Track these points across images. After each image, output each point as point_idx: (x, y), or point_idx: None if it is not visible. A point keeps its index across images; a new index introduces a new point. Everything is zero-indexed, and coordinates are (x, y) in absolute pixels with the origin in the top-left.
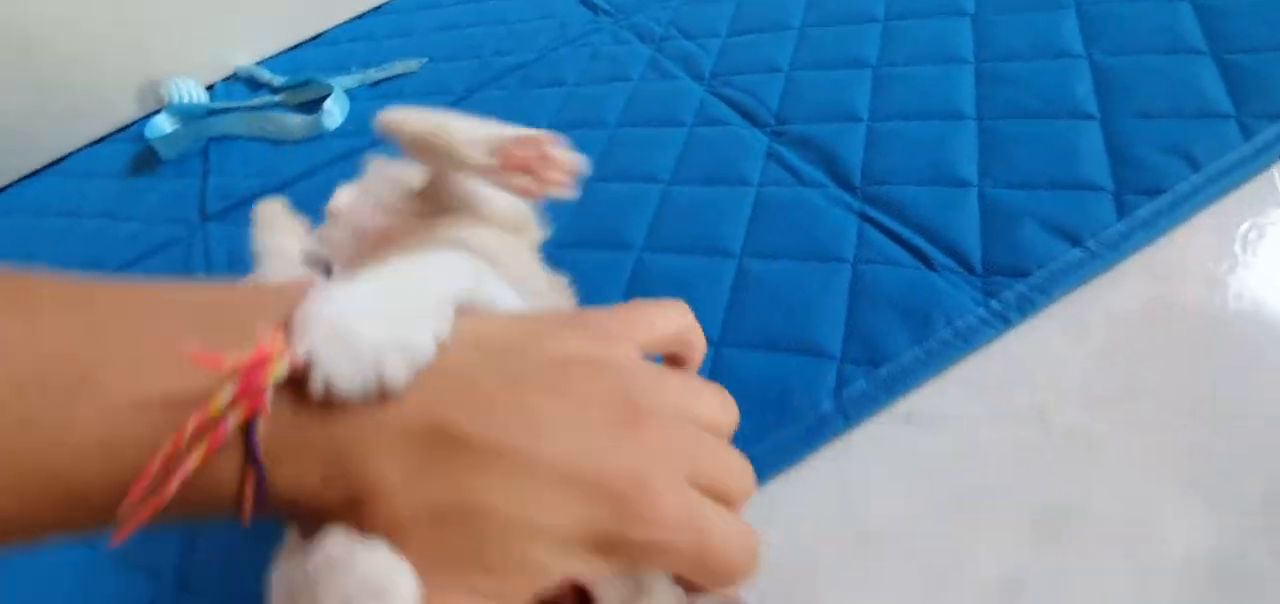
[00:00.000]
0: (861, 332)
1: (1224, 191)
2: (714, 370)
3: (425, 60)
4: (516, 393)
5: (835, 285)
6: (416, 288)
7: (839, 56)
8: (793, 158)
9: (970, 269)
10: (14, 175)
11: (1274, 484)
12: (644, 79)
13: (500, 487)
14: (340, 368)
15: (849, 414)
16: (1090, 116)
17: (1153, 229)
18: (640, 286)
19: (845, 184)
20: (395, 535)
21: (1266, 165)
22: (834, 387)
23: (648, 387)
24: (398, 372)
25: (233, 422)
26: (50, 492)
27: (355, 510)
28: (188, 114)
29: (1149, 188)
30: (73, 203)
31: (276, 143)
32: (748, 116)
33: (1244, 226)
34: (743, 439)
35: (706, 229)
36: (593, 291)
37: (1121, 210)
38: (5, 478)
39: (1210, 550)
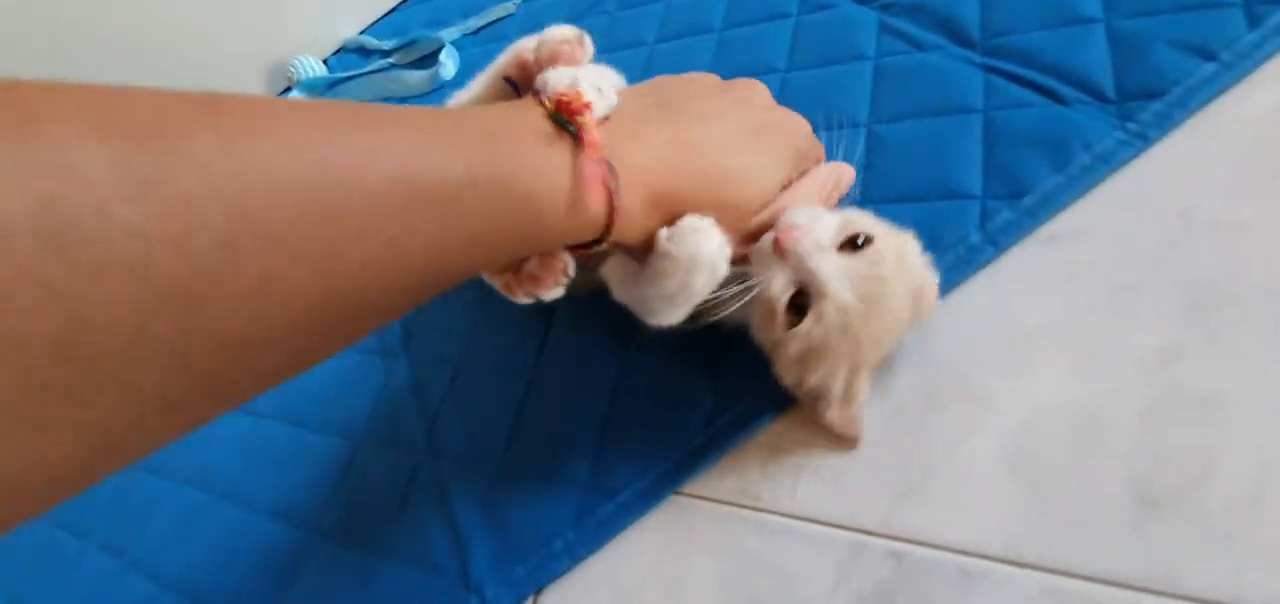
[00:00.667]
0: (1000, 169)
1: None
2: None
3: (520, 1)
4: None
5: (968, 134)
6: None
7: None
8: (906, 26)
9: (1103, 98)
10: None
11: None
12: None
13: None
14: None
15: (997, 242)
16: None
17: None
18: None
19: (965, 42)
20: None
21: None
22: (979, 220)
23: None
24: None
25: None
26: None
27: (659, 213)
28: (315, 87)
29: None
30: None
31: (402, 100)
32: None
33: None
34: None
35: (831, 106)
36: None
37: (1253, 21)
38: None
39: None
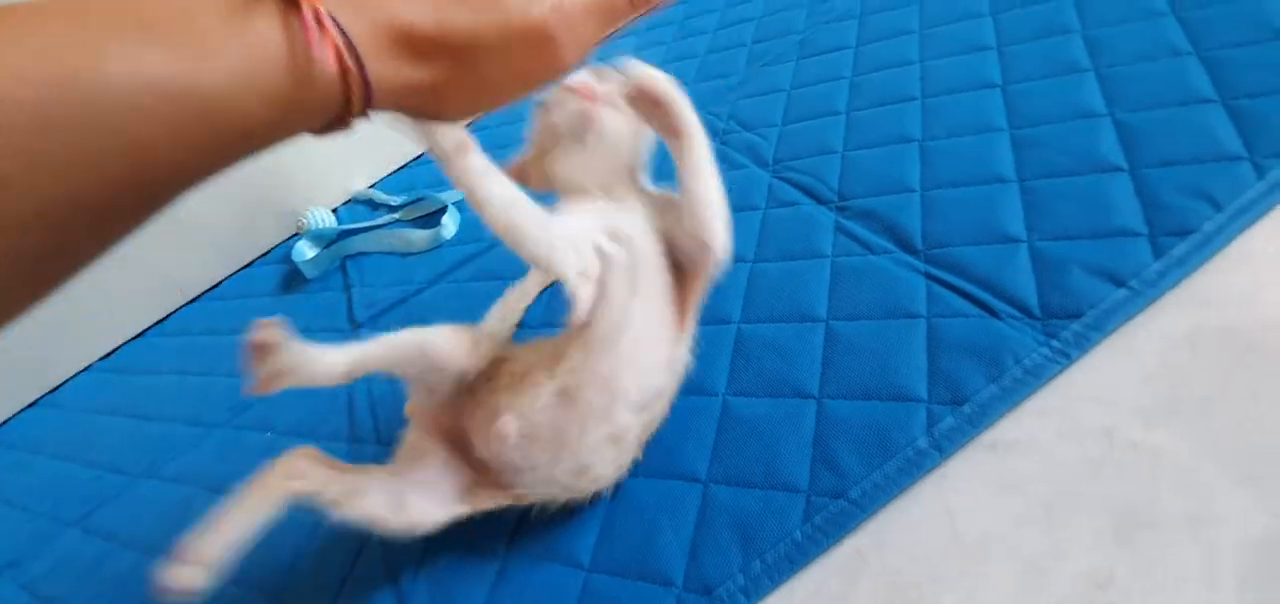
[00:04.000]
0: (943, 376)
1: (1245, 226)
2: (819, 420)
3: None
4: None
5: (914, 338)
6: None
7: (887, 134)
8: (859, 229)
9: (1030, 314)
10: (177, 303)
11: None
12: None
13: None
14: None
15: (942, 447)
16: (1119, 169)
17: (1186, 266)
18: (743, 355)
19: (909, 249)
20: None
21: None
22: (925, 424)
23: None
24: None
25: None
26: (208, 120)
27: (431, 62)
28: (324, 237)
29: (1179, 229)
30: (236, 321)
31: (403, 255)
32: (813, 196)
33: (1266, 255)
34: (853, 477)
35: (793, 299)
36: (703, 361)
37: (1157, 251)
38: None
39: (1264, 533)
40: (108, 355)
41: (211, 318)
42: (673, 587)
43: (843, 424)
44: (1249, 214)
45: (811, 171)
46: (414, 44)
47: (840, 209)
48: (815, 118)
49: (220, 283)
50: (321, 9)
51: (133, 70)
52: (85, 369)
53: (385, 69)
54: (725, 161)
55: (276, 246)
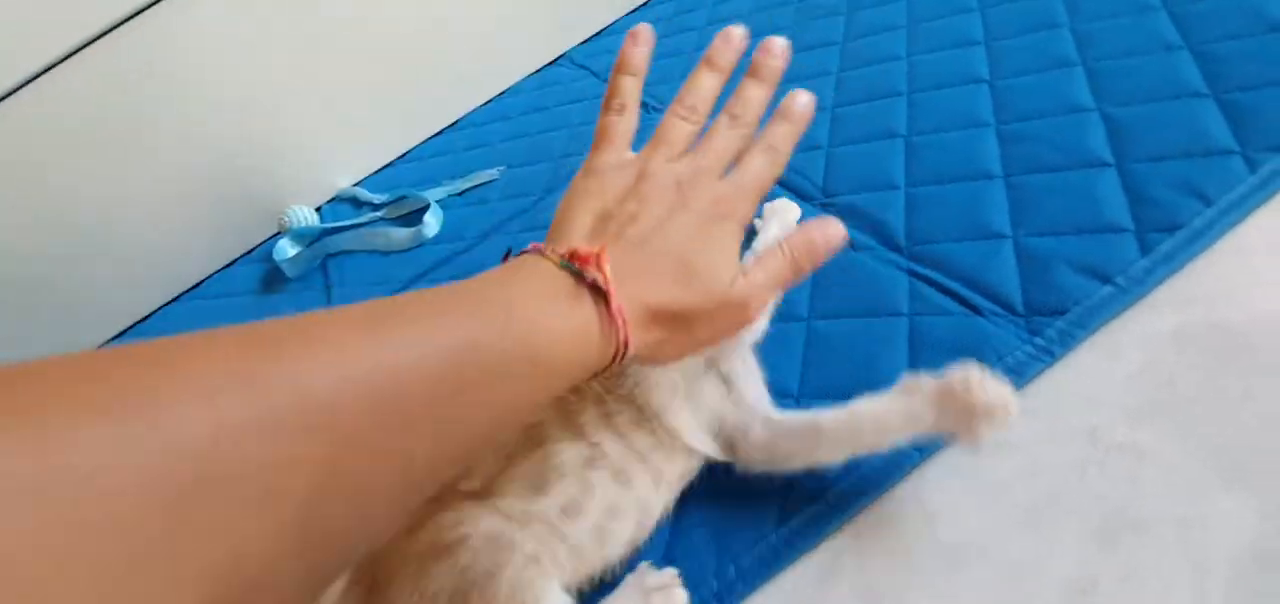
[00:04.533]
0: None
1: (1235, 222)
2: None
3: (504, 168)
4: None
5: (896, 336)
6: None
7: (871, 130)
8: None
9: (1013, 311)
10: (160, 301)
11: None
12: None
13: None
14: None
15: (922, 448)
16: (1106, 164)
17: (1174, 262)
18: None
19: (893, 246)
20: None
21: (1272, 194)
22: None
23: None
24: None
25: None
26: (551, 380)
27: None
28: (305, 236)
29: (1167, 225)
30: (216, 321)
31: (385, 254)
32: (796, 192)
33: (1258, 251)
34: (829, 477)
35: None
36: None
37: (1144, 248)
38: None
39: (1255, 538)
40: None
41: (192, 317)
42: None
43: None
44: (1240, 208)
45: (794, 167)
46: (655, 316)
47: (823, 206)
48: None
49: (201, 282)
50: (616, 301)
51: (511, 348)
52: None
53: (638, 335)
54: None
55: (258, 245)
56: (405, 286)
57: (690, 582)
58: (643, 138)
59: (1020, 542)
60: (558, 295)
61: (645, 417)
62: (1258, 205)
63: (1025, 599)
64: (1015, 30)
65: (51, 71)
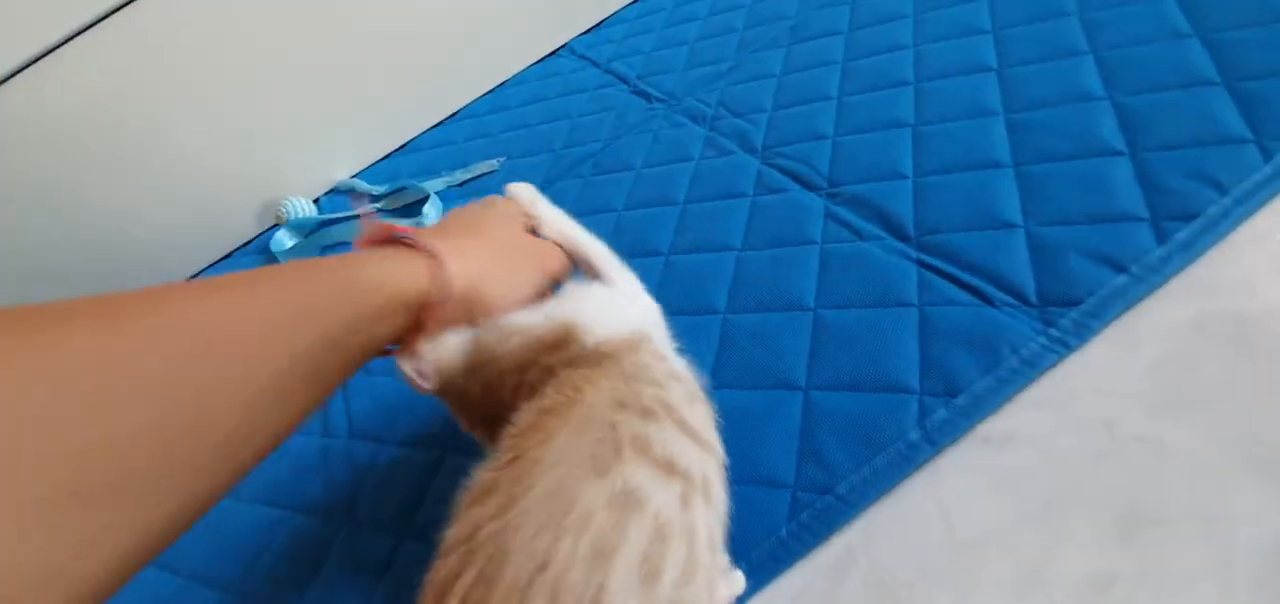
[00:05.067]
0: (935, 366)
1: (1252, 210)
2: (805, 412)
3: (504, 158)
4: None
5: (905, 327)
6: None
7: (878, 119)
8: (849, 216)
9: (1026, 302)
10: None
11: None
12: (704, 157)
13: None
14: None
15: (934, 441)
16: (1119, 153)
17: (1191, 250)
18: (728, 345)
19: (901, 236)
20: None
21: None
22: (917, 416)
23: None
24: None
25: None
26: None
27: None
28: (303, 227)
29: (1183, 213)
30: None
31: None
32: (802, 182)
33: (1277, 239)
34: (841, 471)
35: (780, 288)
36: (687, 352)
37: (1160, 237)
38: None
39: (1273, 533)
40: None
41: None
42: None
43: (830, 416)
44: (1255, 197)
45: (801, 157)
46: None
47: (830, 195)
48: (806, 103)
49: (197, 274)
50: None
51: (354, 278)
52: None
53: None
54: (713, 148)
55: (255, 238)
56: None
57: None
58: (644, 132)
59: (1036, 537)
60: (377, 250)
61: None
62: (1275, 194)
63: (1042, 595)
64: (1023, 18)
65: (44, 59)
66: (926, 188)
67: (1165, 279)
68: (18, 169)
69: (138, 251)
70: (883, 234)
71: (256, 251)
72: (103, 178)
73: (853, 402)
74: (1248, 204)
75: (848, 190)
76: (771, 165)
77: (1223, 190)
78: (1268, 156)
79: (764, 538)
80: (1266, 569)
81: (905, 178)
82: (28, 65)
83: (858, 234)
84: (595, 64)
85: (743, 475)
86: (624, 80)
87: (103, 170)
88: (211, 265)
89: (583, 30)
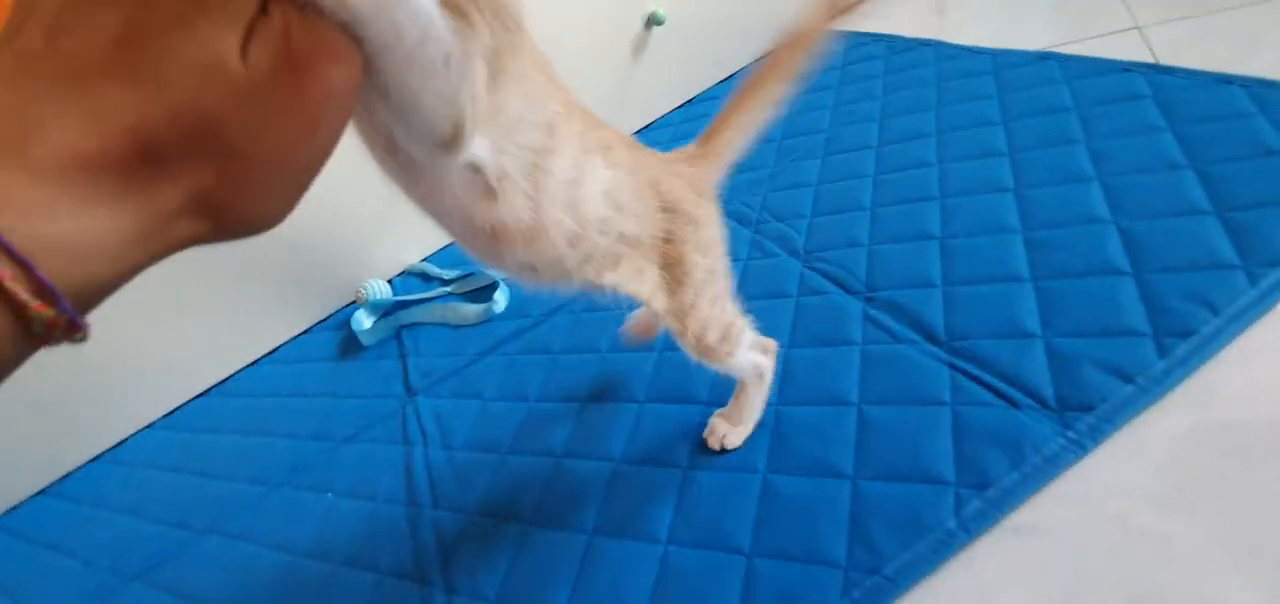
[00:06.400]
0: (968, 461)
1: (1241, 329)
2: (854, 499)
3: None
4: None
5: (940, 424)
6: None
7: (909, 231)
8: (886, 319)
9: (1047, 406)
10: (238, 365)
11: None
12: (751, 257)
13: None
14: None
15: (969, 529)
16: (1124, 273)
17: (1189, 364)
18: (780, 435)
19: (933, 340)
20: None
21: (1273, 305)
22: (953, 506)
23: None
24: None
25: None
26: None
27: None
28: (381, 307)
29: (1181, 330)
30: (295, 385)
31: (455, 327)
32: (841, 286)
33: (1264, 356)
34: (887, 554)
35: (826, 383)
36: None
37: (1161, 351)
38: None
39: None
40: (169, 414)
41: (271, 381)
42: None
43: (877, 503)
44: (1244, 318)
45: (840, 262)
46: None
47: (868, 300)
48: (842, 212)
49: (277, 348)
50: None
51: None
52: (147, 427)
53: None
54: (760, 250)
55: (331, 314)
56: (478, 358)
57: None
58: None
59: None
60: None
61: None
62: (1260, 315)
63: None
64: (1035, 144)
65: None
66: (955, 296)
67: (1168, 389)
68: None
69: (223, 326)
70: (917, 338)
71: (332, 328)
72: (188, 262)
73: (896, 491)
74: (1237, 324)
75: (884, 295)
76: (813, 268)
77: (1215, 311)
78: (1254, 282)
79: None
80: None
81: (935, 286)
82: None
83: (894, 337)
84: None
85: (800, 555)
86: None
87: (189, 255)
88: (290, 339)
89: (634, 130)
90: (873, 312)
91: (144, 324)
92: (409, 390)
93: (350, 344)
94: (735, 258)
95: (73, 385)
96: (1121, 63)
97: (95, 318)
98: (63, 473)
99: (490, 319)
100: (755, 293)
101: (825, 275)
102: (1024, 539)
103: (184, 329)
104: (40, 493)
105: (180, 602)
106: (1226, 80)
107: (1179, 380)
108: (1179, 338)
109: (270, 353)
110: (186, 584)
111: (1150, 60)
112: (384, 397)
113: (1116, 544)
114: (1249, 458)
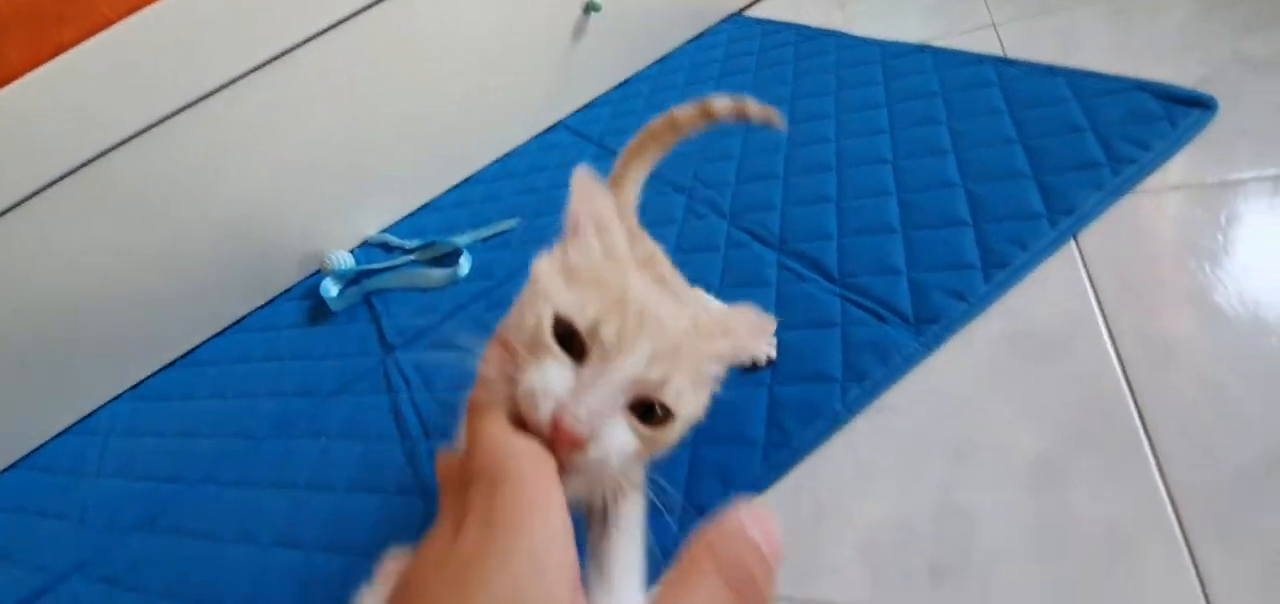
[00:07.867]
0: (851, 364)
1: (1039, 262)
2: (770, 399)
3: (520, 219)
4: None
5: (833, 339)
6: None
7: (813, 195)
8: (795, 265)
9: (907, 320)
10: (208, 333)
11: (1057, 445)
12: (686, 219)
13: None
14: None
15: (851, 410)
16: (967, 224)
17: (1004, 287)
18: None
19: (829, 278)
20: None
21: (1064, 243)
22: (840, 395)
23: None
24: None
25: None
26: None
27: None
28: (346, 275)
29: (1000, 263)
30: (269, 350)
31: (423, 291)
32: (760, 239)
33: (1053, 282)
34: (793, 434)
35: None
36: None
37: (986, 278)
38: None
39: (1037, 452)
40: (136, 385)
41: (242, 347)
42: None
43: (786, 399)
44: (1043, 254)
45: (759, 222)
46: None
47: (781, 249)
48: (760, 180)
49: (242, 318)
50: None
51: None
52: (114, 399)
53: None
54: (693, 213)
55: (295, 285)
56: (448, 316)
57: (704, 503)
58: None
59: (910, 464)
60: None
61: None
62: (1052, 252)
63: (912, 493)
64: (910, 123)
65: (122, 147)
66: (846, 245)
67: (987, 306)
68: (96, 236)
69: (192, 297)
70: (818, 278)
71: (298, 297)
72: (161, 239)
73: (800, 389)
74: (1038, 257)
75: (792, 246)
76: (738, 227)
77: (1024, 248)
78: (1053, 225)
79: (746, 479)
80: (1033, 476)
81: (831, 238)
82: (104, 154)
83: (800, 278)
84: (587, 139)
85: (731, 439)
86: (613, 153)
87: (163, 234)
88: (256, 309)
89: (574, 110)
90: (784, 259)
91: (95, 301)
92: (386, 346)
93: (319, 311)
94: (671, 219)
95: (30, 361)
96: (976, 55)
97: (47, 292)
98: (31, 448)
99: (455, 283)
100: (689, 247)
101: (747, 231)
102: (887, 416)
103: (142, 303)
104: (11, 467)
105: (194, 540)
106: (1052, 71)
107: (995, 299)
108: (998, 268)
109: (235, 323)
110: (194, 525)
111: (1000, 53)
112: (361, 355)
113: (949, 413)
114: (1038, 354)
